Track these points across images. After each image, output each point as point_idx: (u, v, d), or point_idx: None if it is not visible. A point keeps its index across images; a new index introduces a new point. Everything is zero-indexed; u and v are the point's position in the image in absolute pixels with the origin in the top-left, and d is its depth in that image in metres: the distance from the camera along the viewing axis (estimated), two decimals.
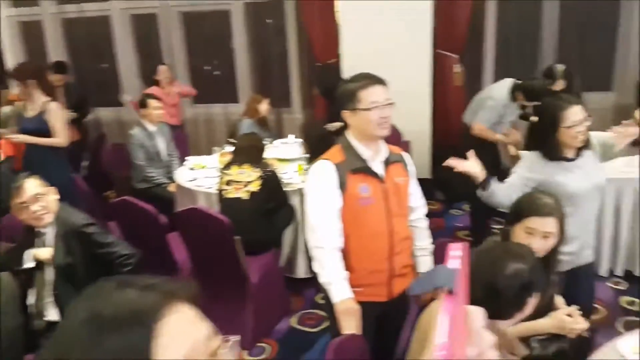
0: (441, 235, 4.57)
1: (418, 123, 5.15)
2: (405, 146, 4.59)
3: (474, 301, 1.61)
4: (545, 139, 2.43)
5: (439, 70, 5.26)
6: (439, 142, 5.33)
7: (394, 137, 4.59)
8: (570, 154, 2.44)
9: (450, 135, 5.04)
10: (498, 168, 3.80)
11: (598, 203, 2.55)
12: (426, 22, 5.00)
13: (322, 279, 2.07)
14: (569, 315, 1.93)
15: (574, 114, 2.36)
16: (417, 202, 2.36)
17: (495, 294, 1.55)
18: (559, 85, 4.02)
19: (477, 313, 0.69)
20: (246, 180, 3.29)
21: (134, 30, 6.51)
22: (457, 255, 0.65)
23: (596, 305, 3.44)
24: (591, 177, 2.45)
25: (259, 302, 3.20)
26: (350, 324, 1.97)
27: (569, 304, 2.07)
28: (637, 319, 3.24)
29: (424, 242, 2.37)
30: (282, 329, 3.40)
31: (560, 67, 4.11)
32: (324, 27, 5.33)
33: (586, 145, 2.45)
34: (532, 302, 1.59)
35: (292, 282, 3.71)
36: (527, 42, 5.85)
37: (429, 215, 5.12)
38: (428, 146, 5.33)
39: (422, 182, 5.21)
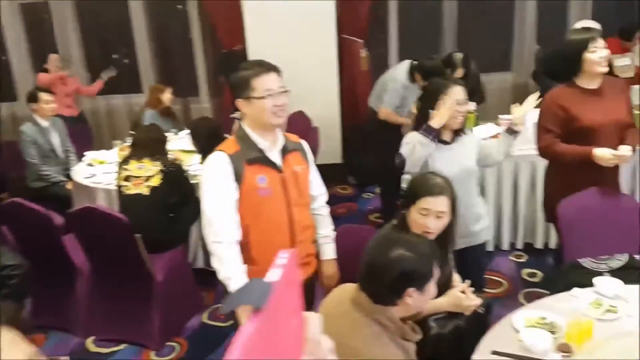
0: (354, 219, 4.63)
1: (327, 109, 5.15)
2: (315, 132, 4.58)
3: (360, 279, 1.62)
4: (427, 118, 2.48)
5: (346, 56, 5.28)
6: (348, 127, 5.37)
7: (303, 124, 4.56)
8: (447, 136, 2.51)
9: (359, 119, 5.09)
10: None
11: (472, 187, 2.63)
12: (330, 7, 4.98)
13: (221, 274, 2.00)
14: (463, 292, 1.98)
15: (455, 94, 2.43)
16: (318, 190, 2.33)
17: (373, 275, 1.55)
18: (459, 73, 4.12)
19: (313, 320, 0.65)
20: (146, 175, 3.12)
21: (24, 20, 6.04)
22: (280, 264, 0.60)
23: (499, 279, 3.61)
24: (463, 162, 2.53)
25: (166, 301, 3.06)
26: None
27: (462, 280, 2.14)
28: (538, 289, 3.42)
29: (326, 229, 2.35)
30: (193, 325, 3.29)
31: (458, 56, 4.17)
32: (228, 12, 5.17)
33: (462, 129, 2.54)
34: (414, 295, 1.57)
35: (205, 276, 3.59)
36: (429, 24, 6.01)
37: (342, 199, 5.17)
38: (338, 131, 5.35)
39: (333, 167, 5.23)
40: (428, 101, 2.54)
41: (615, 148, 2.57)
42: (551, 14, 5.79)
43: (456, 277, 2.19)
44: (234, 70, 2.11)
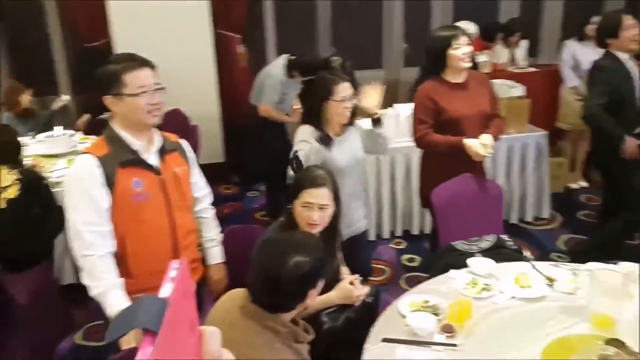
0: (240, 218, 4.54)
1: (206, 106, 4.99)
2: (194, 131, 4.41)
3: (254, 294, 1.58)
4: (317, 112, 2.49)
5: (222, 52, 5.15)
6: (230, 124, 5.25)
7: (181, 122, 4.37)
8: (337, 130, 2.55)
9: (240, 117, 4.99)
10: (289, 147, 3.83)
11: (361, 175, 2.70)
12: (203, 1, 4.82)
13: (94, 291, 1.82)
14: (352, 283, 2.01)
15: (344, 90, 2.46)
16: (202, 192, 2.23)
17: (276, 288, 1.51)
18: None
19: (213, 334, 0.60)
20: (1, 187, 2.78)
21: None
22: (172, 277, 0.54)
23: (382, 267, 3.75)
24: (354, 151, 2.60)
25: (31, 325, 2.75)
26: (129, 338, 1.75)
27: (350, 270, 2.17)
28: (417, 274, 3.60)
29: (212, 232, 2.25)
30: (65, 348, 3.01)
31: (337, 60, 4.01)
32: (89, 6, 4.80)
33: (351, 122, 2.59)
34: (314, 293, 1.57)
35: (75, 292, 3.28)
36: (305, 21, 6.07)
37: (227, 199, 5.04)
38: (219, 129, 5.21)
39: (216, 166, 5.05)
40: (315, 96, 2.54)
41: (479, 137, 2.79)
42: (416, 14, 6.13)
43: (344, 269, 2.22)
44: (98, 65, 1.92)
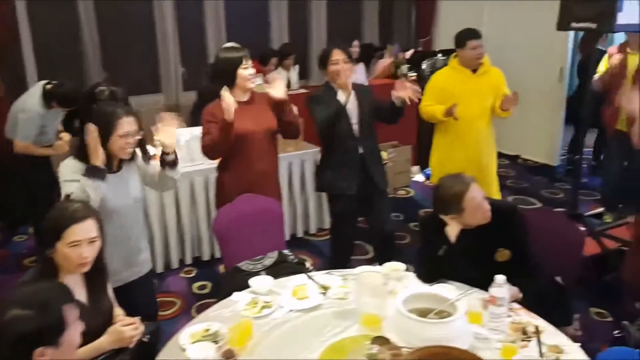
0: (8, 267, 3.97)
1: None
2: None
3: None
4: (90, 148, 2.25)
5: None
6: None
7: None
8: (114, 164, 2.36)
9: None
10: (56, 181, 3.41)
11: (140, 214, 2.55)
12: None
13: None
14: (128, 324, 1.87)
15: (128, 124, 2.29)
16: None
17: None
18: None
19: None
20: None
21: None
22: None
23: (172, 299, 3.59)
24: (130, 190, 2.42)
25: None
26: None
27: (131, 314, 2.01)
28: (209, 300, 3.51)
29: None
30: None
31: (104, 91, 3.38)
32: None
33: (132, 157, 2.42)
34: (49, 353, 1.37)
35: None
36: (68, 43, 5.62)
37: None
38: None
39: None
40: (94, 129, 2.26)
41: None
42: (191, 37, 6.13)
43: (118, 311, 2.05)
44: None
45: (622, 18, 3.30)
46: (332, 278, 2.34)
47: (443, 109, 3.61)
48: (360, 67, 5.40)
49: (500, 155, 5.25)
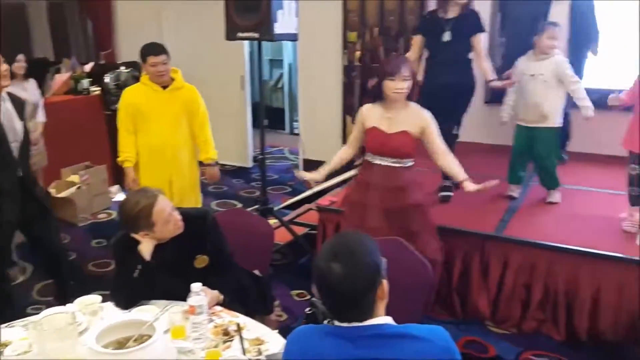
0: None
1: None
2: None
3: None
4: None
5: None
6: None
7: None
8: None
9: None
10: None
11: None
12: None
13: None
14: None
15: None
16: None
17: None
18: None
19: None
20: None
21: None
22: None
23: None
24: None
25: None
26: None
27: None
28: None
29: None
30: None
31: None
32: None
33: None
34: None
35: None
36: None
37: None
38: None
39: None
40: None
41: None
42: None
43: None
44: None
45: (280, 28, 3.68)
46: (12, 330, 1.99)
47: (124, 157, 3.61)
48: (32, 83, 4.79)
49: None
